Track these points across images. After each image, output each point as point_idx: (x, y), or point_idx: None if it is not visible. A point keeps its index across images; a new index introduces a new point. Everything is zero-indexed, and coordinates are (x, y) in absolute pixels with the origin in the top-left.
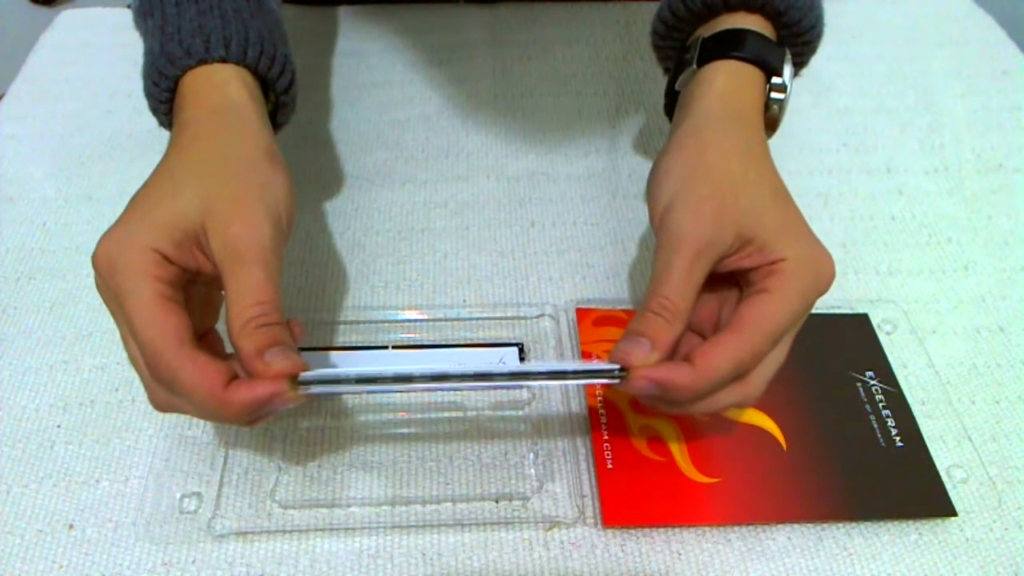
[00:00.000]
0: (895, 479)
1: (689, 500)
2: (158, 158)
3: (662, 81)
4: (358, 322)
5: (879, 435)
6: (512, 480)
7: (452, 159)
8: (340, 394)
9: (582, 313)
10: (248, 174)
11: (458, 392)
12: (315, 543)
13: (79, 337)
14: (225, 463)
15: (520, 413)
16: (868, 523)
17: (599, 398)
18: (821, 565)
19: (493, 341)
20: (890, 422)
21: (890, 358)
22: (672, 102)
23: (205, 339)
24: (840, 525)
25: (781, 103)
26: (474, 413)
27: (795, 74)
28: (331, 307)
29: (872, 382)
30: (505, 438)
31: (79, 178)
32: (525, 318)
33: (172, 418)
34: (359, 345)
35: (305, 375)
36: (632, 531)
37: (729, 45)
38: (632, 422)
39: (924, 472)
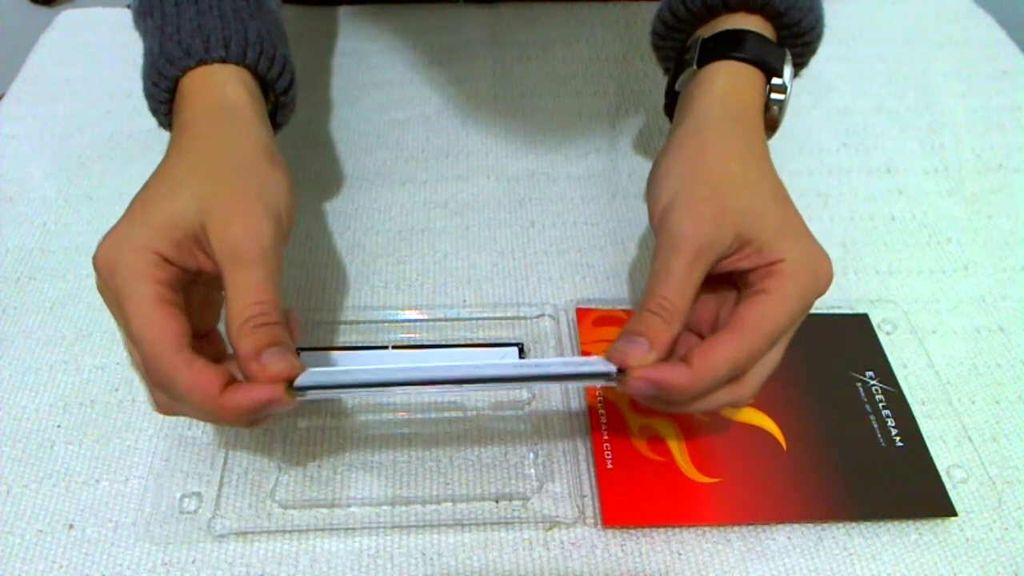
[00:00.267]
0: (895, 479)
1: (689, 500)
2: (158, 158)
3: (662, 81)
4: (358, 322)
5: (879, 435)
6: (512, 480)
7: (452, 159)
8: (338, 398)
9: (582, 313)
10: (247, 174)
11: (458, 392)
12: (315, 543)
13: (79, 337)
14: (225, 463)
15: (520, 413)
16: (868, 523)
17: (599, 398)
18: (821, 565)
19: (493, 341)
20: (890, 422)
21: (890, 358)
22: (672, 102)
23: (207, 339)
24: (840, 525)
25: (781, 104)
26: (474, 413)
27: (795, 75)
28: (331, 307)
29: (872, 382)
30: (505, 438)
31: (79, 178)
32: (525, 318)
33: (172, 418)
34: (359, 345)
35: (301, 381)
36: (632, 531)
37: (729, 46)
38: (632, 422)
39: (924, 472)
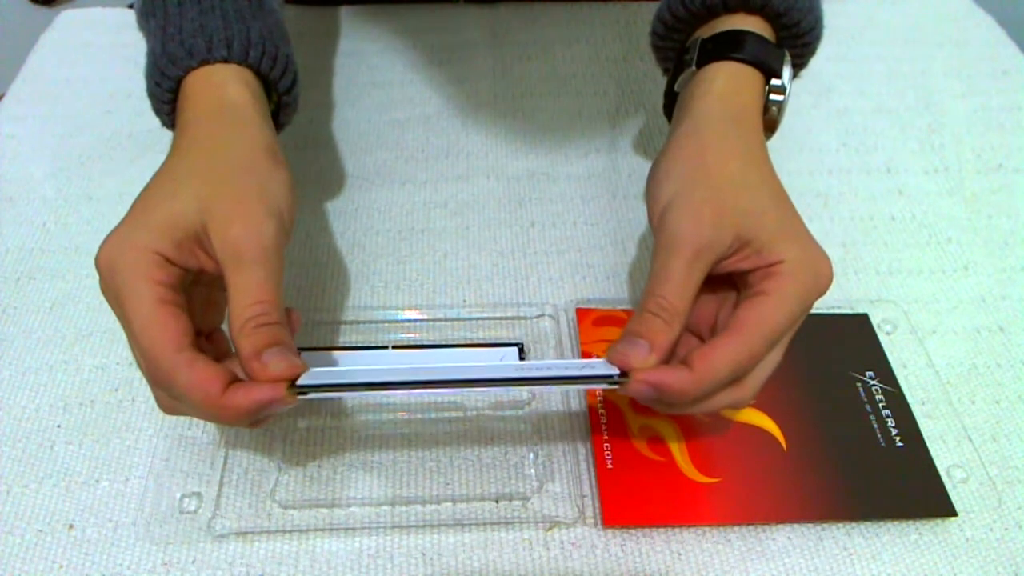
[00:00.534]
0: (895, 479)
1: (689, 500)
2: (158, 158)
3: (662, 81)
4: (358, 322)
5: (879, 435)
6: (512, 480)
7: (452, 159)
8: (339, 398)
9: (582, 313)
10: (249, 173)
11: (460, 393)
12: (315, 543)
13: (79, 337)
14: (225, 463)
15: (520, 413)
16: (868, 523)
17: (599, 398)
18: (821, 565)
19: (493, 341)
20: (890, 422)
21: (890, 358)
22: (671, 103)
23: (210, 339)
24: (840, 525)
25: (780, 105)
26: (474, 413)
27: (794, 75)
28: (331, 307)
29: (872, 382)
30: (505, 438)
31: (79, 178)
32: (525, 318)
33: (172, 418)
34: (359, 345)
35: (302, 381)
36: (632, 531)
37: (728, 47)
38: (632, 422)
39: (924, 472)
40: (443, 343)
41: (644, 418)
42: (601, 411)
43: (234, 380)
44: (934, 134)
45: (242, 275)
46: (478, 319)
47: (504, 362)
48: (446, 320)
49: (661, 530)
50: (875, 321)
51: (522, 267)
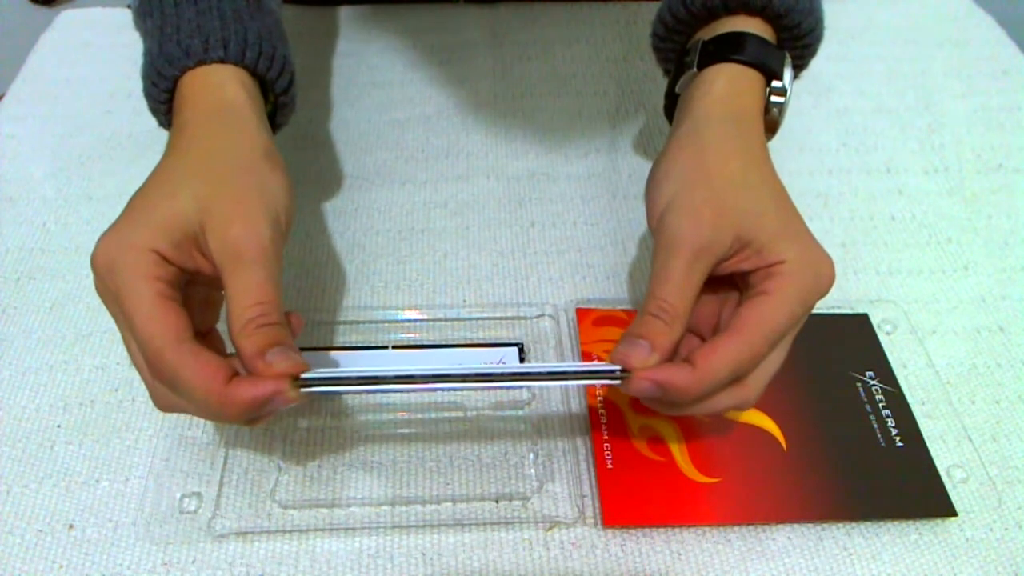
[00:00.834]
0: (895, 479)
1: (689, 500)
2: (158, 158)
3: (662, 82)
4: (358, 322)
5: (879, 435)
6: (512, 480)
7: (452, 159)
8: (341, 394)
9: (582, 313)
10: (246, 174)
11: (458, 392)
12: (315, 543)
13: (79, 337)
14: (225, 463)
15: (520, 413)
16: (868, 523)
17: (599, 398)
18: (821, 565)
19: (493, 341)
20: (890, 422)
21: (890, 358)
22: (672, 104)
23: (206, 339)
24: (840, 525)
25: (781, 106)
26: (474, 413)
27: (795, 77)
28: (331, 307)
29: (872, 382)
30: (505, 438)
31: (79, 178)
32: (525, 318)
33: (172, 418)
34: (359, 345)
35: (307, 375)
36: (632, 531)
37: (729, 48)
38: (632, 422)
39: (924, 472)
40: (443, 343)
41: (644, 418)
42: (601, 411)
43: (236, 375)
44: (934, 134)
45: (242, 276)
46: (478, 319)
47: (504, 364)
48: (446, 320)
49: (661, 530)
50: (875, 321)
51: (522, 267)
